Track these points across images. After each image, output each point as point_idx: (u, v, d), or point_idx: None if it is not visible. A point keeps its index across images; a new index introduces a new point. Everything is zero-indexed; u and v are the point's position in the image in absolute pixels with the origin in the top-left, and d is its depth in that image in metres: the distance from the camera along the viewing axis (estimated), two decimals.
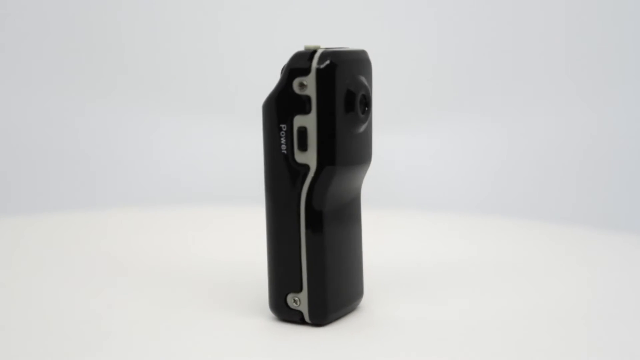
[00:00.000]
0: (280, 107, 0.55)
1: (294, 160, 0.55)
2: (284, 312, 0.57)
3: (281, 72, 0.57)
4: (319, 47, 0.55)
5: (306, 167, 0.55)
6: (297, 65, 0.54)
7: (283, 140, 0.55)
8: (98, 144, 1.27)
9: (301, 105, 0.54)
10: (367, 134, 0.57)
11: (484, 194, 1.21)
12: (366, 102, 0.56)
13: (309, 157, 0.55)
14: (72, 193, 1.23)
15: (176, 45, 1.29)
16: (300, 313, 0.57)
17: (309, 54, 0.54)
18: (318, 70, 0.54)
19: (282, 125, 0.55)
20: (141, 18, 1.30)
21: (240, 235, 0.84)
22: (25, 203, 1.23)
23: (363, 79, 0.56)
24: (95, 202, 1.22)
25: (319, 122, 0.54)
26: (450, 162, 1.24)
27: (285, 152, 0.55)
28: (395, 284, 0.66)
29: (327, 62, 0.54)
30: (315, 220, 0.55)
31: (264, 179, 0.57)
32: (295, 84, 0.54)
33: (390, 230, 0.88)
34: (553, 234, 0.89)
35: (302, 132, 0.54)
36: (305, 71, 0.54)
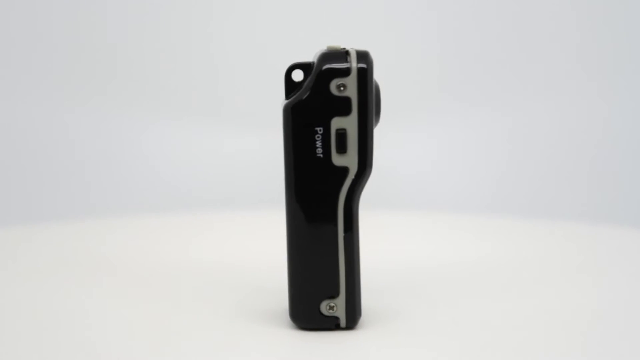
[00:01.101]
0: (316, 109, 0.53)
1: (330, 163, 0.54)
2: (316, 320, 0.55)
3: (288, 74, 0.55)
4: (340, 47, 0.54)
5: (344, 170, 0.54)
6: (335, 66, 0.53)
7: (319, 144, 0.53)
8: (88, 149, 1.22)
9: (340, 106, 0.53)
10: None
11: (488, 192, 1.17)
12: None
13: (348, 160, 0.54)
14: (64, 201, 1.18)
15: (170, 47, 1.24)
16: (336, 319, 0.55)
17: (343, 55, 0.53)
18: (360, 71, 0.53)
19: (318, 128, 0.53)
20: (136, 19, 1.24)
21: (240, 240, 0.82)
22: (18, 212, 1.16)
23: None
24: (89, 210, 1.16)
25: (360, 123, 0.53)
26: (453, 159, 1.21)
27: (321, 155, 0.54)
28: (403, 286, 0.66)
29: (365, 62, 0.53)
30: (351, 223, 0.55)
31: (290, 184, 0.54)
32: (334, 85, 0.53)
33: (395, 230, 0.86)
34: (564, 232, 0.88)
35: (342, 134, 0.53)
36: (345, 72, 0.53)
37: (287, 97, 0.55)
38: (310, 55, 0.58)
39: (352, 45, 0.56)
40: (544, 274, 0.71)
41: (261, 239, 0.74)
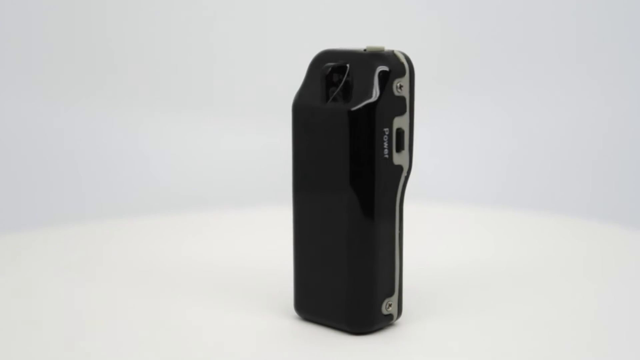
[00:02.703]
0: (385, 110, 0.53)
1: (392, 162, 0.54)
2: (378, 321, 0.55)
3: (329, 76, 0.54)
4: (381, 48, 0.55)
5: (400, 168, 0.55)
6: (394, 67, 0.54)
7: (386, 144, 0.54)
8: (82, 147, 1.18)
9: (399, 106, 0.54)
10: None
11: (491, 188, 1.13)
12: None
13: (403, 158, 0.55)
14: (60, 202, 1.14)
15: (166, 43, 1.20)
16: (392, 316, 0.56)
17: (393, 55, 0.54)
18: (410, 71, 0.54)
19: (385, 129, 0.53)
20: (131, 12, 1.19)
21: (244, 239, 0.80)
22: (9, 218, 1.10)
23: None
24: (87, 211, 1.14)
25: (410, 121, 0.55)
26: (454, 155, 1.14)
27: (387, 156, 0.54)
28: (416, 284, 0.64)
29: (410, 62, 0.55)
30: (402, 220, 0.56)
31: (358, 188, 0.53)
32: (395, 85, 0.54)
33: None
34: (572, 229, 0.86)
35: (401, 133, 0.54)
36: (402, 72, 0.54)
37: (327, 100, 0.54)
38: (311, 53, 0.57)
39: (355, 43, 0.57)
40: (568, 274, 0.70)
41: (263, 238, 0.74)
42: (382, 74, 0.53)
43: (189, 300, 0.63)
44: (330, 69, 0.54)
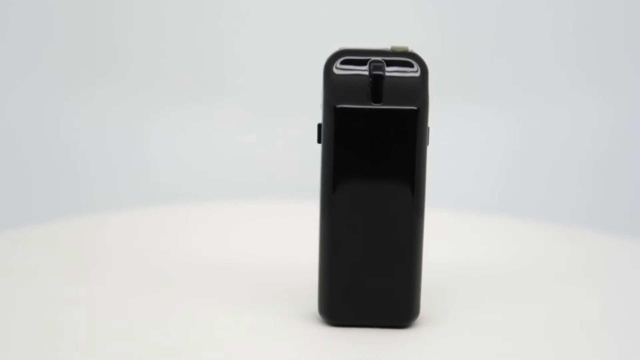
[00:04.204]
0: (428, 108, 0.55)
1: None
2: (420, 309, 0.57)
3: (380, 79, 0.54)
4: (405, 47, 0.56)
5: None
6: (425, 66, 0.56)
7: (428, 140, 0.55)
8: (83, 141, 1.13)
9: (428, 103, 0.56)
10: None
11: (491, 192, 1.12)
12: None
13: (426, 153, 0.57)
14: (63, 197, 1.11)
15: (171, 36, 1.15)
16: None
17: (418, 54, 0.56)
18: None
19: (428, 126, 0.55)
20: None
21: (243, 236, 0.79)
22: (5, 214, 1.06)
23: None
24: (88, 207, 1.09)
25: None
26: (455, 157, 1.13)
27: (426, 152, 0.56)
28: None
29: None
30: None
31: (414, 185, 0.55)
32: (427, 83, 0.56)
33: None
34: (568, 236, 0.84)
35: (428, 128, 0.56)
36: (428, 71, 0.56)
37: (376, 100, 0.54)
38: (323, 49, 0.57)
39: (354, 43, 0.58)
40: (567, 279, 0.70)
41: (262, 236, 0.75)
42: (423, 73, 0.55)
43: (196, 301, 0.61)
44: (381, 70, 0.54)
